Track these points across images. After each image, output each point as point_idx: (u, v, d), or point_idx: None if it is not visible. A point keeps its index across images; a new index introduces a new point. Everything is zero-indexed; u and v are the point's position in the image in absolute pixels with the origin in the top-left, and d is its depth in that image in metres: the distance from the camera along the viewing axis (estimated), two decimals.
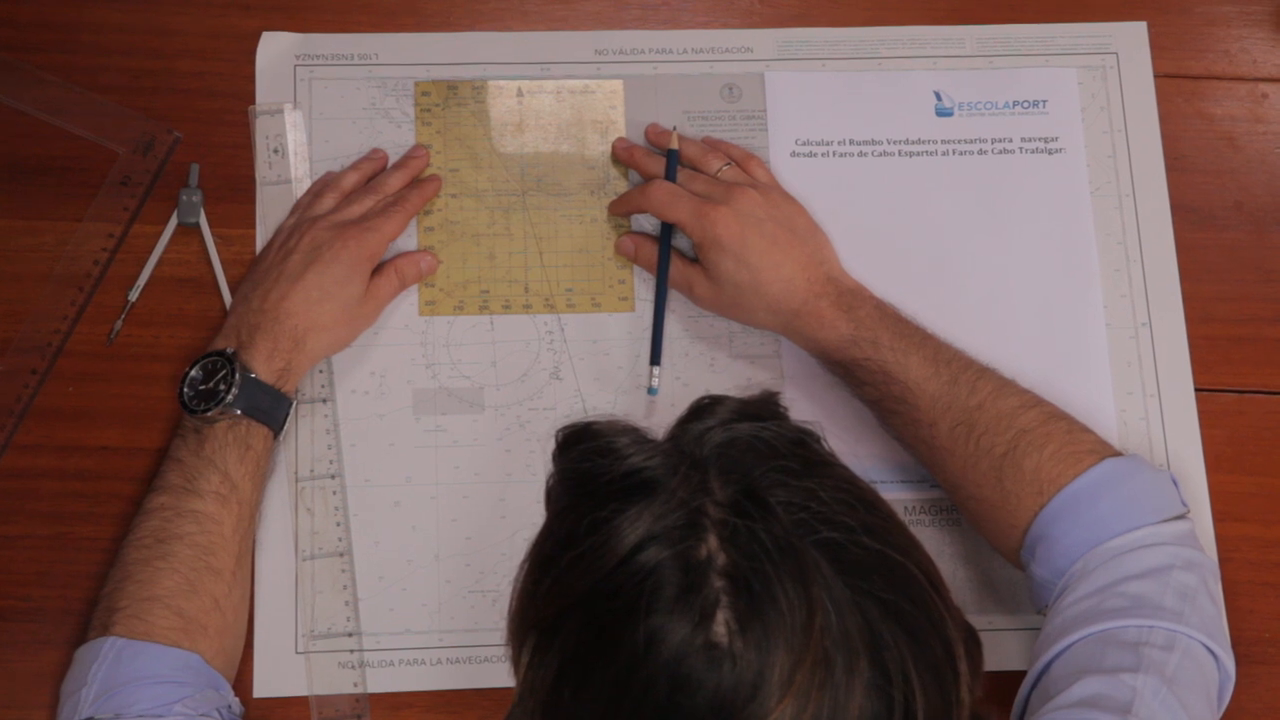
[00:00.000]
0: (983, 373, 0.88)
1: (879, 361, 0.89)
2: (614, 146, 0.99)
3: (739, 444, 0.62)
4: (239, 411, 0.86)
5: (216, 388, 0.86)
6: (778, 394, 0.68)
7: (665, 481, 0.60)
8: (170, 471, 0.86)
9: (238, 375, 0.86)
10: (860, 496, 0.63)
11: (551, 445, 0.67)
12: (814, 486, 0.61)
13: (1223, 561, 0.92)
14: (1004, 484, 0.84)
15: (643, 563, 0.58)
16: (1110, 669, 0.74)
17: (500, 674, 0.90)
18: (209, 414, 0.86)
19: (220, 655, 0.84)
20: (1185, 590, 0.79)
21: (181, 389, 0.87)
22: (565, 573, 0.61)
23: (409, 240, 0.97)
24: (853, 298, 0.91)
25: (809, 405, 0.95)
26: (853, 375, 0.90)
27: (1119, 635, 0.76)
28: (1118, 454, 0.85)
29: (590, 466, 0.63)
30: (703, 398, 0.66)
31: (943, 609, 0.61)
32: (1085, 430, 0.87)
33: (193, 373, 0.87)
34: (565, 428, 0.67)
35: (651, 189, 0.94)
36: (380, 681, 0.89)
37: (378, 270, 0.94)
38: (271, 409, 0.88)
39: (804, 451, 0.64)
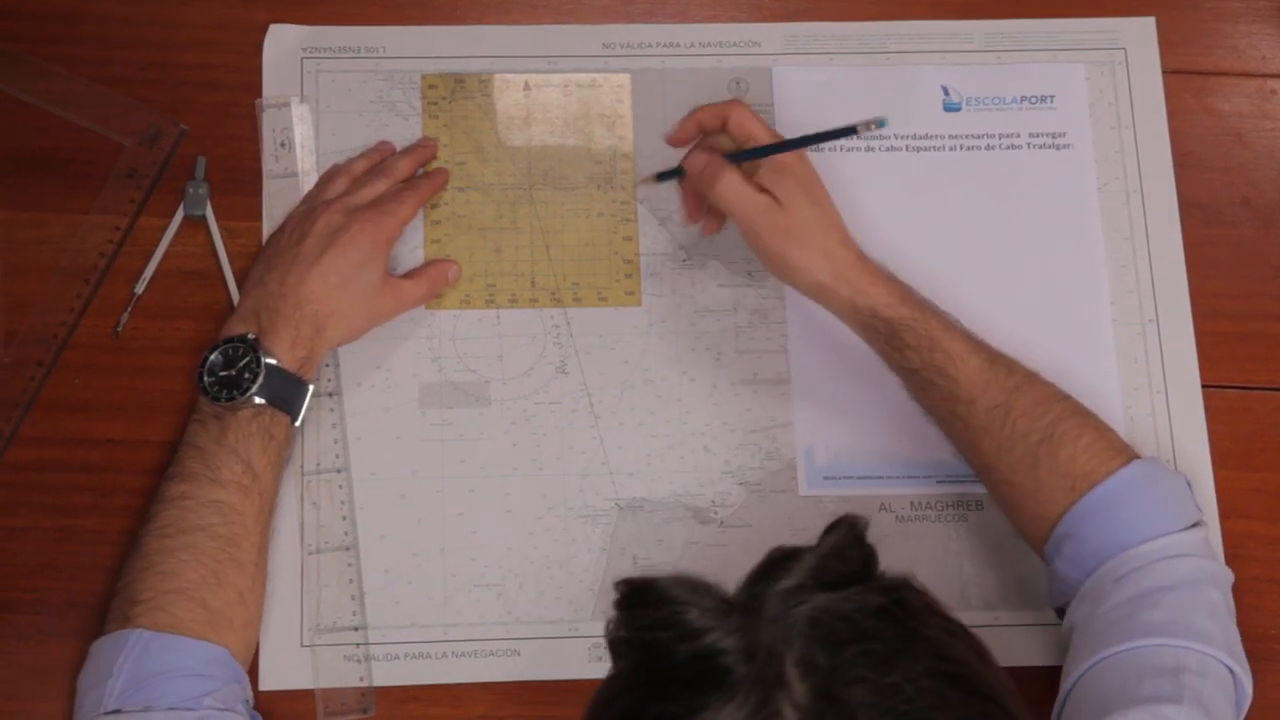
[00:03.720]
0: (1014, 358, 0.89)
1: (926, 325, 0.87)
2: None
3: (818, 623, 0.57)
4: (263, 401, 0.86)
5: (240, 375, 0.86)
6: (862, 526, 0.61)
7: (738, 671, 0.56)
8: (190, 459, 0.85)
9: (262, 363, 0.85)
10: (954, 675, 0.57)
11: (614, 595, 0.61)
12: (900, 680, 0.55)
13: (1228, 558, 0.93)
14: (1038, 473, 0.84)
15: None
16: (1149, 698, 0.74)
17: (505, 668, 0.90)
18: (233, 403, 0.85)
19: (243, 649, 0.84)
20: (1213, 608, 0.80)
21: (201, 374, 0.86)
22: None
23: (416, 233, 0.97)
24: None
25: (814, 402, 0.95)
26: (898, 337, 0.88)
27: (1155, 658, 0.76)
28: (1138, 455, 0.85)
29: (656, 639, 0.58)
30: (776, 551, 0.61)
31: None
32: (1110, 428, 0.87)
33: (212, 358, 0.86)
34: (627, 581, 0.60)
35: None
36: (386, 674, 0.89)
37: (409, 274, 0.94)
38: (293, 397, 0.87)
39: (890, 625, 0.58)
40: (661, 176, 0.96)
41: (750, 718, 0.54)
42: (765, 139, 0.90)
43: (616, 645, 0.61)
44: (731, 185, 0.89)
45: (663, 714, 0.56)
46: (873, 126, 0.88)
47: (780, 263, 0.90)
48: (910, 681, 0.55)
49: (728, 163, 0.90)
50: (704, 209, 0.96)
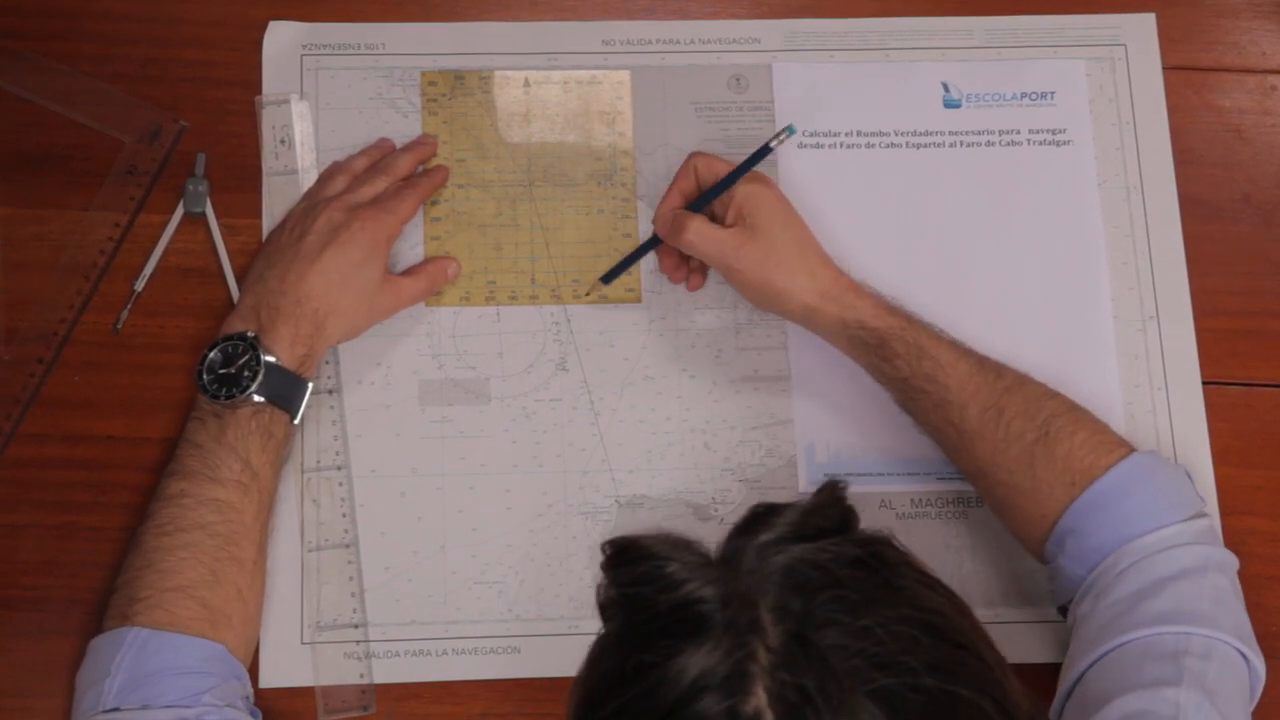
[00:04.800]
0: (1001, 361, 0.89)
1: (914, 333, 0.88)
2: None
3: (794, 572, 0.58)
4: (262, 399, 0.86)
5: (240, 374, 0.86)
6: (843, 488, 0.63)
7: (714, 619, 0.56)
8: (189, 456, 0.85)
9: (261, 361, 0.85)
10: (927, 622, 0.58)
11: (600, 556, 0.63)
12: (871, 624, 0.56)
13: None
14: (1036, 471, 0.84)
15: (688, 718, 0.55)
16: (1150, 683, 0.74)
17: (505, 665, 0.90)
18: (232, 401, 0.85)
19: (242, 646, 0.84)
20: (1218, 593, 0.79)
21: (200, 372, 0.86)
22: None
23: (416, 231, 0.97)
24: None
25: (815, 399, 0.95)
26: (886, 346, 0.88)
27: (1157, 645, 0.76)
28: (1134, 448, 0.85)
29: (638, 594, 0.59)
30: (759, 507, 0.61)
31: None
32: (1104, 423, 0.87)
33: (212, 355, 0.87)
34: (611, 541, 0.62)
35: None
36: (386, 672, 0.89)
37: (408, 271, 0.94)
38: (292, 395, 0.87)
39: (865, 574, 0.59)
40: (608, 277, 0.96)
41: (724, 661, 0.55)
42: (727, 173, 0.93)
43: (605, 608, 0.62)
44: (698, 231, 0.91)
45: (641, 664, 0.57)
46: (783, 136, 0.94)
47: (763, 290, 0.91)
48: (882, 626, 0.56)
49: (690, 212, 0.92)
50: (687, 266, 0.96)
